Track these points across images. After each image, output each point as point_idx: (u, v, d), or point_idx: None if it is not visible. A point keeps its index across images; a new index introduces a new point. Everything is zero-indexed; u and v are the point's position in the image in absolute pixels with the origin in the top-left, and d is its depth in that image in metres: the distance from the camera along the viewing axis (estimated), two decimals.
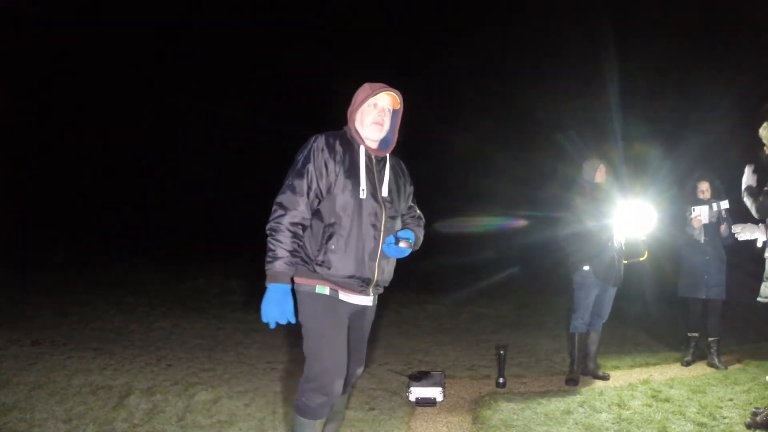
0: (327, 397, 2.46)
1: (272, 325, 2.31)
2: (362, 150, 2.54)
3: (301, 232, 2.42)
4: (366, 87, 2.58)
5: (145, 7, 18.06)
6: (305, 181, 2.42)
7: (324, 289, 2.45)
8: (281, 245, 2.33)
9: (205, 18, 19.36)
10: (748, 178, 4.12)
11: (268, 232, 2.38)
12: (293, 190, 2.41)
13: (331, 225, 2.43)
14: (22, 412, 3.65)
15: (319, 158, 2.44)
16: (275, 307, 2.28)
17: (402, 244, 2.50)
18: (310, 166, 2.43)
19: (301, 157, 2.47)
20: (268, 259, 2.33)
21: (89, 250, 12.93)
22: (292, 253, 2.36)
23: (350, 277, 2.44)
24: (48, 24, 16.01)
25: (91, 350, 5.34)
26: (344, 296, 2.49)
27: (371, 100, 2.54)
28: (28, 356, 5.00)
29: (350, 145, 2.53)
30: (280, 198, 2.42)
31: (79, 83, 17.28)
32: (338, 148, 2.49)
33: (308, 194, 2.42)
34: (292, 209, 2.39)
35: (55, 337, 5.76)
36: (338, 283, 2.45)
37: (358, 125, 2.56)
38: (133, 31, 18.13)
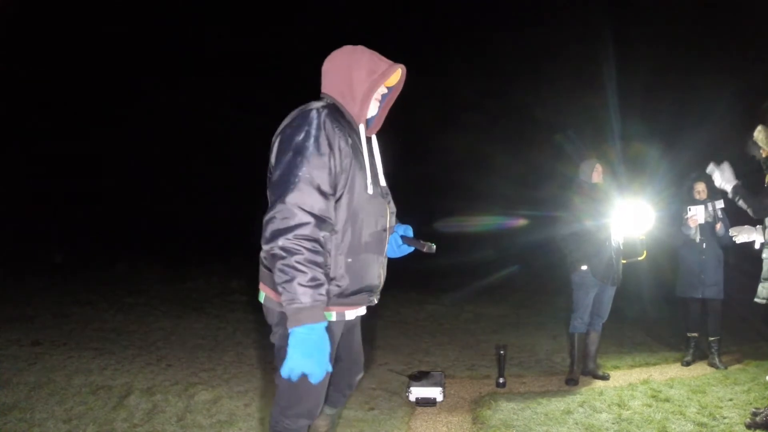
0: (311, 420, 2.10)
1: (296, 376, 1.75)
2: (362, 131, 2.04)
3: (323, 245, 1.85)
4: (374, 58, 2.06)
5: (142, 5, 18.07)
6: (327, 172, 1.83)
7: (330, 315, 1.98)
8: (311, 268, 1.75)
9: (205, 18, 19.35)
10: (727, 176, 4.12)
11: (287, 248, 1.75)
12: (315, 185, 1.81)
13: (343, 230, 1.93)
14: (22, 412, 3.65)
15: (334, 140, 1.86)
16: (320, 356, 1.74)
17: (426, 249, 2.14)
18: (329, 153, 1.85)
19: (308, 139, 1.83)
20: (301, 290, 1.73)
21: (89, 250, 12.92)
22: (325, 275, 1.82)
23: (362, 289, 2.01)
24: (45, 23, 16.02)
25: (91, 350, 5.33)
26: (351, 314, 2.07)
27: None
28: (28, 356, 5.00)
29: (350, 125, 2.00)
30: (293, 197, 1.77)
31: (77, 83, 17.28)
32: (344, 128, 1.93)
33: (334, 191, 1.87)
34: (318, 214, 1.81)
35: (55, 337, 5.76)
36: (347, 302, 2.00)
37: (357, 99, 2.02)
38: (130, 30, 18.13)
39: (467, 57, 18.52)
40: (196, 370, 4.89)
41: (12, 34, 15.19)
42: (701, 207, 5.19)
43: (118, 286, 9.14)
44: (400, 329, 7.18)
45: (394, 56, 2.14)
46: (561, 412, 3.93)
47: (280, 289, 1.77)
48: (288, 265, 1.74)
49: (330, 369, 1.82)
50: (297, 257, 1.74)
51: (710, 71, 12.22)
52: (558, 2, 16.71)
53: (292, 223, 1.76)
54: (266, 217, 1.81)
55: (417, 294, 9.65)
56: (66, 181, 17.01)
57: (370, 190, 1.98)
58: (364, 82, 2.00)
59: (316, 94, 2.13)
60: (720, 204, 5.17)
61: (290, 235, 1.75)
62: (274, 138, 1.97)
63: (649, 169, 10.11)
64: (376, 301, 2.14)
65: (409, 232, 2.24)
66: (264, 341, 6.04)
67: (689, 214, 5.21)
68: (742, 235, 4.10)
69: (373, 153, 2.12)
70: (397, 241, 2.19)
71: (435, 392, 4.16)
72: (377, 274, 2.08)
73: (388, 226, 2.10)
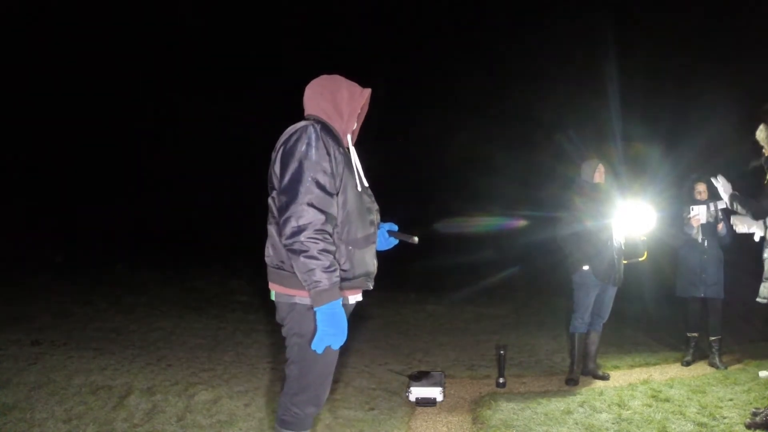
0: (318, 407, 2.34)
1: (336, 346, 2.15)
2: (350, 142, 2.42)
3: (332, 236, 2.18)
4: (349, 83, 2.45)
5: (137, 4, 18.04)
6: (328, 174, 2.17)
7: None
8: (326, 256, 2.09)
9: (199, 16, 19.31)
10: (724, 186, 4.14)
11: (307, 242, 2.07)
12: (323, 188, 2.14)
13: (342, 224, 2.25)
14: (22, 412, 3.65)
15: (330, 149, 2.21)
16: (341, 326, 2.12)
17: (410, 240, 2.51)
18: (328, 159, 2.19)
19: (310, 149, 2.17)
20: (323, 275, 2.07)
21: (89, 250, 12.92)
22: (336, 260, 2.16)
23: (362, 274, 2.32)
24: (42, 24, 16.02)
25: (91, 350, 5.33)
26: (352, 299, 2.35)
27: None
28: (28, 356, 5.00)
29: (338, 137, 2.35)
30: (305, 198, 2.10)
31: (77, 83, 17.28)
32: (336, 139, 2.30)
33: (335, 191, 2.19)
34: (327, 210, 2.13)
35: (55, 337, 5.76)
36: (350, 286, 2.29)
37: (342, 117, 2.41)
38: (126, 30, 18.12)
39: (469, 58, 18.51)
40: (196, 370, 4.89)
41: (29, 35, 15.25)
42: (703, 207, 5.19)
43: (118, 286, 9.15)
44: (400, 329, 7.18)
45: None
46: (561, 412, 3.93)
47: (303, 276, 2.09)
48: (310, 256, 2.06)
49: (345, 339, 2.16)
50: (316, 248, 2.07)
51: (711, 72, 12.21)
52: (560, 3, 16.69)
53: (308, 220, 2.08)
54: (283, 217, 2.12)
55: (417, 294, 9.66)
56: (66, 181, 17.02)
57: (359, 189, 2.31)
58: (349, 102, 2.39)
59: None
60: (721, 204, 5.17)
61: (308, 231, 2.07)
62: (274, 153, 2.27)
63: (651, 170, 10.11)
64: (371, 286, 2.42)
65: (394, 227, 2.60)
66: (264, 341, 6.07)
67: (692, 213, 5.22)
68: (743, 225, 4.08)
69: (354, 159, 2.43)
70: (384, 235, 2.55)
71: (435, 392, 4.16)
72: (372, 262, 2.40)
73: (375, 220, 2.43)
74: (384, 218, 2.59)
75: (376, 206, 2.45)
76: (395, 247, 2.62)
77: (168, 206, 16.86)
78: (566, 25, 16.06)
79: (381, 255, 2.53)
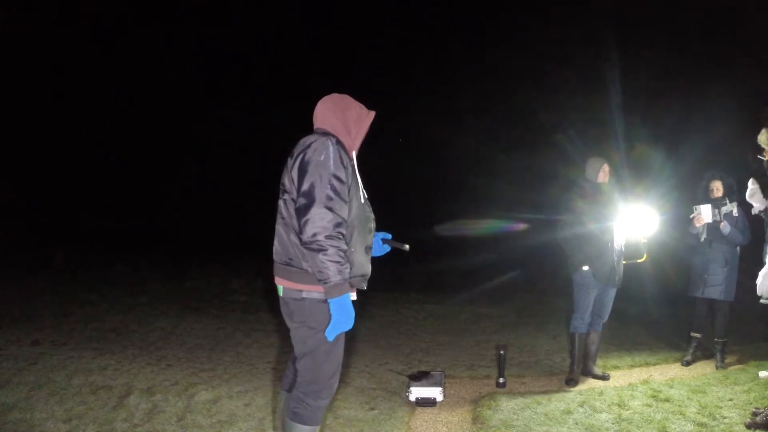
0: (329, 399, 2.55)
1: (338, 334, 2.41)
2: (354, 155, 2.64)
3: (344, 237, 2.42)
4: (358, 104, 2.70)
5: (142, 5, 18.07)
6: (345, 185, 2.42)
7: None
8: (340, 255, 2.33)
9: (199, 18, 19.33)
10: (756, 197, 4.04)
11: (325, 242, 2.31)
12: (339, 195, 2.38)
13: (348, 228, 2.46)
14: (22, 412, 3.66)
15: (345, 161, 2.45)
16: (350, 314, 2.38)
17: (402, 248, 2.77)
18: (343, 170, 2.42)
19: (329, 160, 2.41)
20: (337, 271, 2.31)
21: (89, 251, 12.92)
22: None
23: (359, 275, 2.55)
24: (48, 25, 16.04)
25: (91, 350, 5.34)
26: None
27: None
28: (28, 356, 5.00)
29: (346, 150, 2.56)
30: (329, 203, 2.35)
31: (78, 83, 17.30)
32: (347, 153, 2.54)
33: (347, 198, 2.43)
34: (342, 215, 2.38)
35: (55, 337, 5.76)
36: (352, 284, 2.51)
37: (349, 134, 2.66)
38: (130, 31, 18.14)
39: (471, 60, 18.51)
40: (196, 370, 4.89)
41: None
42: (707, 206, 5.13)
43: (118, 286, 9.14)
44: (400, 329, 7.17)
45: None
46: (561, 412, 3.93)
47: (320, 272, 2.32)
48: (327, 254, 2.30)
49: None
50: (333, 248, 2.31)
51: (716, 71, 12.19)
52: (563, 5, 16.66)
53: (327, 223, 2.32)
54: (303, 219, 2.34)
55: (417, 294, 9.64)
56: (65, 181, 17.03)
57: (362, 199, 2.56)
58: (356, 121, 2.66)
59: (313, 99, 2.71)
60: (726, 209, 5.10)
61: (328, 232, 2.31)
62: (292, 160, 2.50)
63: (654, 172, 10.10)
64: (365, 287, 2.65)
65: (388, 236, 2.87)
66: (264, 341, 6.07)
67: (694, 213, 5.19)
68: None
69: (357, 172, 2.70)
70: (379, 242, 2.82)
71: (435, 392, 4.16)
72: (367, 265, 2.64)
73: (373, 227, 2.69)
74: (385, 219, 2.79)
75: (373, 216, 2.71)
76: (394, 249, 2.88)
77: (168, 206, 16.88)
78: (569, 26, 16.07)
79: (383, 256, 2.78)
